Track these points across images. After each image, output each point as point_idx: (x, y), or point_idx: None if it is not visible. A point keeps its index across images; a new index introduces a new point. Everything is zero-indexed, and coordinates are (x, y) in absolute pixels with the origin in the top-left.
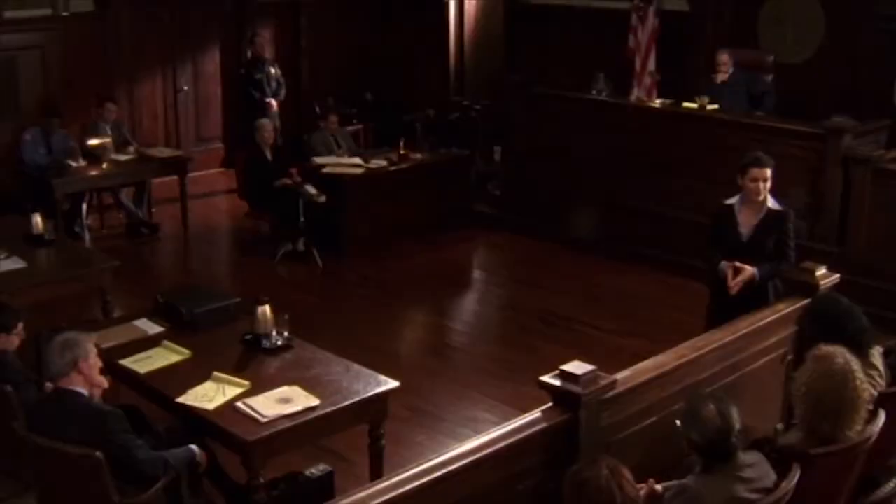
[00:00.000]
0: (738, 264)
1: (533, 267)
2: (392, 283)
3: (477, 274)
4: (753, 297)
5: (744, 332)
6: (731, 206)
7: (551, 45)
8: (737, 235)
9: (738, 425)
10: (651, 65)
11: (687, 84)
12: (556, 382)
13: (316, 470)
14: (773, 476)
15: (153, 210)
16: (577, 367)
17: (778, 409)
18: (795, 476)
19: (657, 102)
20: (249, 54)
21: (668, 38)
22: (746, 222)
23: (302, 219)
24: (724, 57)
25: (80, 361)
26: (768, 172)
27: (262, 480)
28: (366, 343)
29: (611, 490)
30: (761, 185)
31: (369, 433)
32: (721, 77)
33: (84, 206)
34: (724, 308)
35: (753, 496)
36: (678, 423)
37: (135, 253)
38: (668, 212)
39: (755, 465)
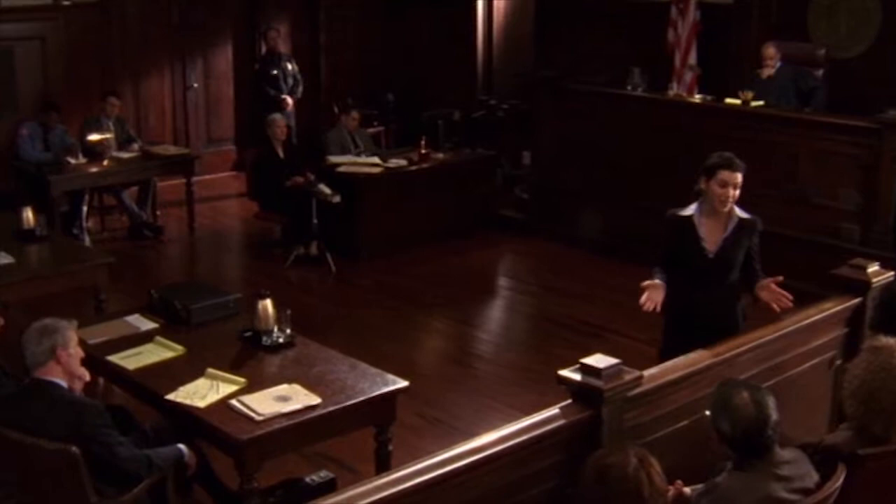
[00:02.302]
0: (649, 282)
1: (561, 273)
2: (410, 289)
3: (502, 281)
4: (720, 324)
5: (786, 330)
6: (689, 217)
7: (585, 40)
8: (701, 252)
9: (774, 416)
10: (692, 58)
11: (729, 79)
12: (576, 377)
13: (317, 477)
14: (814, 476)
15: (158, 212)
16: (599, 360)
17: (825, 419)
18: (840, 477)
19: (697, 98)
20: (264, 48)
21: (710, 31)
22: (711, 236)
23: (315, 220)
24: (770, 50)
25: (58, 349)
26: (740, 178)
27: (256, 485)
28: (380, 351)
29: (639, 480)
30: (731, 191)
31: (375, 437)
32: (767, 72)
33: (84, 208)
34: (683, 337)
35: (792, 497)
36: (707, 413)
37: (136, 255)
38: None
39: (794, 463)
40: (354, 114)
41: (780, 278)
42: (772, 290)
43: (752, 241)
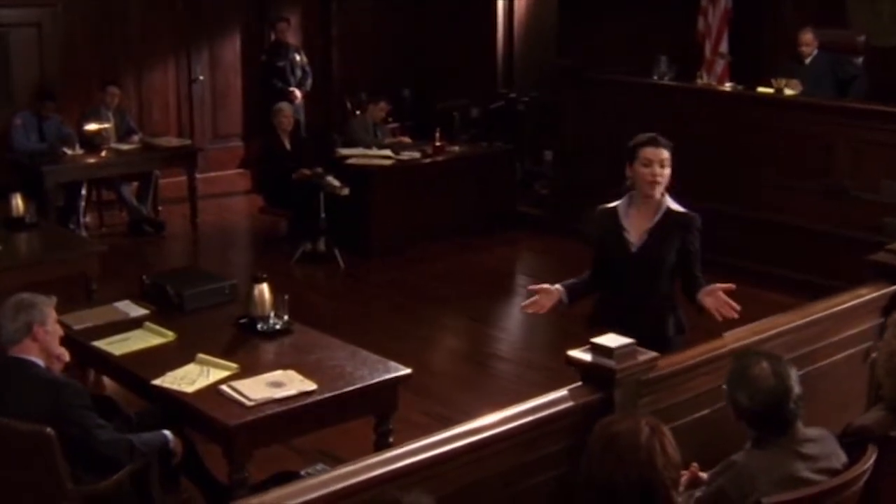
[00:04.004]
0: (538, 286)
1: (582, 272)
2: (423, 287)
3: (520, 279)
4: (646, 334)
5: (816, 316)
6: (614, 209)
7: (609, 29)
8: (624, 246)
9: (797, 388)
10: (723, 46)
11: (762, 68)
12: (587, 357)
13: (312, 470)
14: (842, 457)
15: (159, 208)
16: (611, 339)
17: (860, 414)
18: (871, 459)
19: (728, 86)
20: (272, 37)
21: (743, 19)
22: (636, 228)
23: (323, 215)
24: (808, 36)
25: (35, 326)
26: (665, 154)
27: (246, 474)
28: (389, 349)
29: (652, 449)
30: (658, 169)
31: (375, 428)
32: (806, 58)
33: (82, 204)
34: None
35: (816, 477)
36: (724, 386)
37: (135, 252)
38: (739, 211)
39: (819, 441)
40: (383, 104)
41: (732, 286)
42: (717, 297)
43: (687, 240)
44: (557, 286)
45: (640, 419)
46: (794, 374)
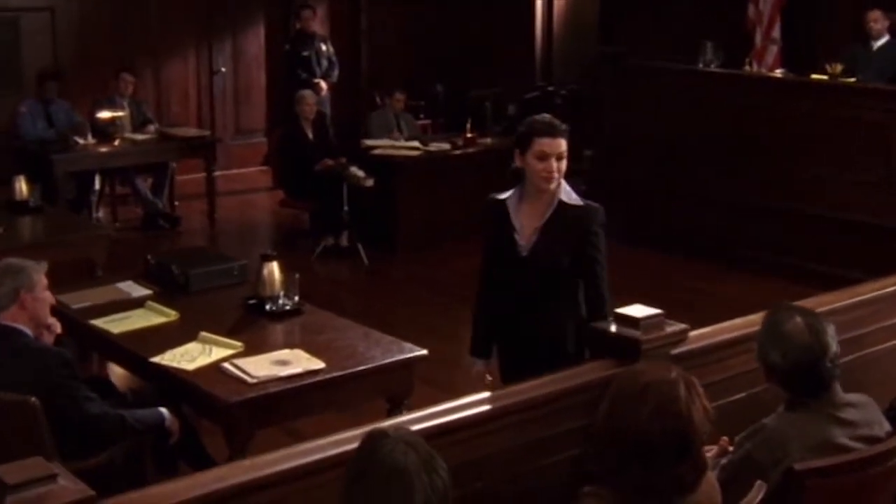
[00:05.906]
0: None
1: (621, 272)
2: (449, 283)
3: None
4: (546, 349)
5: (864, 297)
6: (502, 202)
7: (653, 19)
8: (512, 246)
9: (834, 346)
10: (776, 32)
11: (814, 55)
12: (610, 327)
13: None
14: (885, 425)
15: (176, 203)
16: (637, 309)
17: None
18: None
19: (779, 72)
20: (297, 26)
21: (795, 5)
22: (526, 225)
23: (346, 208)
24: (875, 13)
25: (22, 292)
26: (564, 146)
27: (247, 458)
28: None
29: (691, 401)
30: (554, 164)
31: (388, 412)
32: (875, 40)
33: (94, 198)
34: (512, 359)
35: (854, 444)
36: (755, 343)
37: (148, 245)
38: (790, 206)
39: (860, 407)
40: (398, 94)
41: None
42: None
43: (588, 240)
44: (480, 363)
45: (671, 367)
46: (831, 331)
